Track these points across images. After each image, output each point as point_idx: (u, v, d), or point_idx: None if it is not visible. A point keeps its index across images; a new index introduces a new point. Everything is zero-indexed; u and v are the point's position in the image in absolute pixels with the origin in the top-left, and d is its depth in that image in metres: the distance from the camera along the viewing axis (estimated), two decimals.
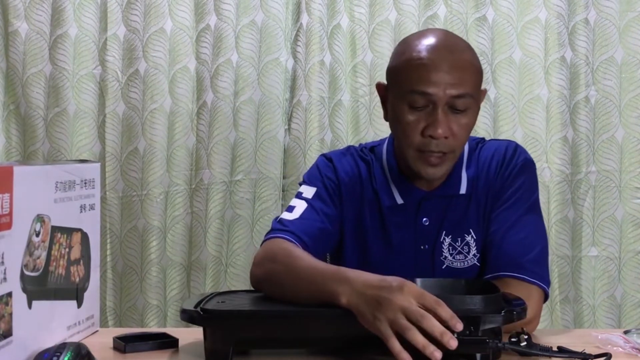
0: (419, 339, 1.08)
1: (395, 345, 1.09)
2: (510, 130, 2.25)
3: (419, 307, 1.10)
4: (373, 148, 1.58)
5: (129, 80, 2.25)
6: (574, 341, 1.24)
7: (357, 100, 2.28)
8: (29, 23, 2.22)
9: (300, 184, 1.56)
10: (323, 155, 1.60)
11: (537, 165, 2.23)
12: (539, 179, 2.21)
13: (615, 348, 1.21)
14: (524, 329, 1.17)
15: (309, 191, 1.51)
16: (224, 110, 2.26)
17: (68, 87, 2.23)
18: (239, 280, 2.27)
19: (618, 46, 2.24)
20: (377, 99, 2.24)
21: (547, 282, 1.43)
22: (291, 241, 1.41)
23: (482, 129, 2.23)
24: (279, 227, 1.44)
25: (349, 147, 1.61)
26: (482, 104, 2.20)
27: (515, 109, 2.25)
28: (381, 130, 2.23)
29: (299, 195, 1.51)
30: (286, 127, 2.29)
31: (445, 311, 1.10)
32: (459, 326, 1.09)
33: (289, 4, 2.28)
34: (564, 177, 2.24)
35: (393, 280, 1.14)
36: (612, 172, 2.25)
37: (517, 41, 2.25)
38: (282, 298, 1.27)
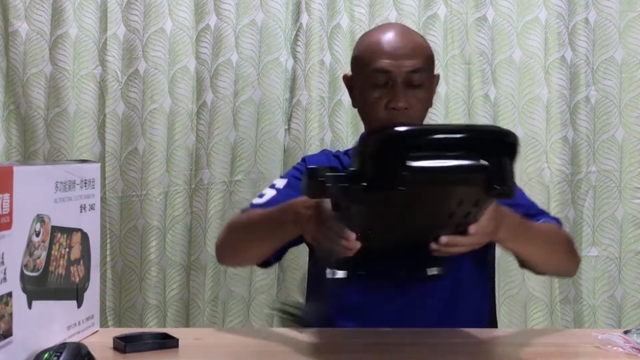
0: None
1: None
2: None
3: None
4: (347, 151, 1.72)
5: (128, 80, 2.25)
6: (574, 341, 1.24)
7: None
8: (29, 23, 2.22)
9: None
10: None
11: (537, 165, 2.25)
12: (539, 179, 2.24)
13: (615, 348, 1.21)
14: None
15: (280, 183, 1.65)
16: (224, 110, 2.26)
17: (68, 87, 2.23)
18: (239, 280, 2.27)
19: (618, 46, 2.23)
20: None
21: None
22: None
23: None
24: (246, 208, 1.60)
25: (323, 150, 1.81)
26: (482, 104, 2.24)
27: (515, 109, 2.25)
28: None
29: (271, 186, 1.65)
30: (286, 127, 2.29)
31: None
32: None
33: (289, 4, 2.28)
34: (564, 177, 2.24)
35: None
36: (612, 172, 2.25)
37: (517, 41, 2.25)
38: (240, 249, 1.52)
